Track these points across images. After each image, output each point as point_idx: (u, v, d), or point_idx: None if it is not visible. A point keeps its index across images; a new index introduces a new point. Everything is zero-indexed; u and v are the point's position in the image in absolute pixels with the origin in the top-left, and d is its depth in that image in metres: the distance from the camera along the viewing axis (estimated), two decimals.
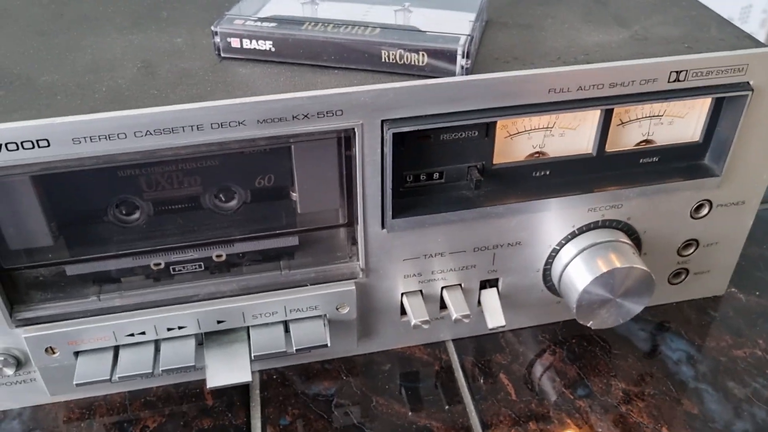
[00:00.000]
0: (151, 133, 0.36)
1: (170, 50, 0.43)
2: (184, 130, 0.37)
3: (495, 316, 0.48)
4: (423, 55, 0.39)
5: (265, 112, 0.37)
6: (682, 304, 0.54)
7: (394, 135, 0.39)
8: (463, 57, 0.38)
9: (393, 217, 0.42)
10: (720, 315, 0.53)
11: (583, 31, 0.45)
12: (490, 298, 0.48)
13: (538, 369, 0.49)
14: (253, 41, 0.41)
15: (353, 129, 0.39)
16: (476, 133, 0.42)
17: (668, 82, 0.41)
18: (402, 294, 0.47)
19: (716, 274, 0.53)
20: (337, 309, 0.46)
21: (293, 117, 0.38)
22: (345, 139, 0.40)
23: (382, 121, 0.39)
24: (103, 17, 0.48)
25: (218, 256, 0.44)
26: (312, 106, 0.37)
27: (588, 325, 0.47)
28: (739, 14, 1.00)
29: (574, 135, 0.44)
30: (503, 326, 0.47)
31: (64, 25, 0.46)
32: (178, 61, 0.41)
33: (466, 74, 0.39)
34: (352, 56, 0.40)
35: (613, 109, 0.43)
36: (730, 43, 0.43)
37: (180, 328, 0.44)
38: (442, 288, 0.47)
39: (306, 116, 0.38)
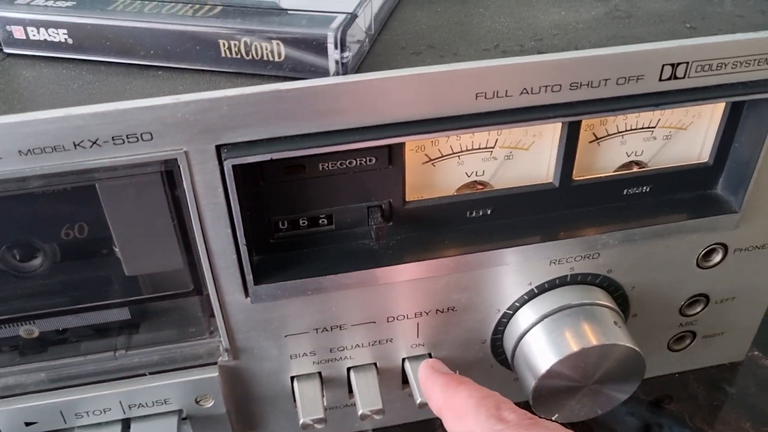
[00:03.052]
0: None
1: None
2: None
3: None
4: (278, 45, 0.26)
5: (30, 139, 0.24)
6: (687, 375, 0.43)
7: (238, 167, 0.26)
8: (336, 47, 0.25)
9: (256, 283, 0.29)
10: (738, 391, 0.41)
11: (539, 6, 0.32)
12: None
13: None
14: (42, 30, 0.28)
15: (175, 159, 0.26)
16: (374, 160, 0.29)
17: (660, 80, 0.28)
18: (292, 378, 0.34)
19: (733, 337, 0.40)
20: (197, 402, 0.33)
21: (75, 145, 0.25)
22: (169, 174, 0.27)
23: (218, 147, 0.26)
24: None
25: (29, 332, 0.31)
26: (100, 128, 0.24)
27: (552, 419, 0.34)
28: None
29: (526, 158, 0.31)
30: None
31: None
32: None
33: (345, 73, 0.25)
34: (179, 50, 0.27)
35: (580, 122, 0.29)
36: (752, 22, 0.29)
37: None
38: (349, 369, 0.34)
39: (95, 143, 0.25)
